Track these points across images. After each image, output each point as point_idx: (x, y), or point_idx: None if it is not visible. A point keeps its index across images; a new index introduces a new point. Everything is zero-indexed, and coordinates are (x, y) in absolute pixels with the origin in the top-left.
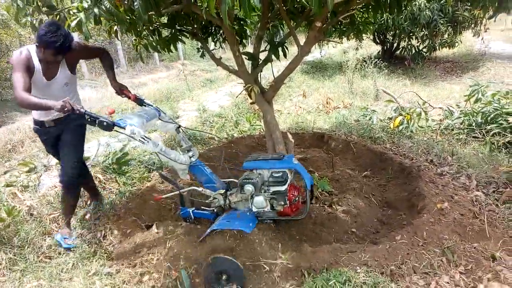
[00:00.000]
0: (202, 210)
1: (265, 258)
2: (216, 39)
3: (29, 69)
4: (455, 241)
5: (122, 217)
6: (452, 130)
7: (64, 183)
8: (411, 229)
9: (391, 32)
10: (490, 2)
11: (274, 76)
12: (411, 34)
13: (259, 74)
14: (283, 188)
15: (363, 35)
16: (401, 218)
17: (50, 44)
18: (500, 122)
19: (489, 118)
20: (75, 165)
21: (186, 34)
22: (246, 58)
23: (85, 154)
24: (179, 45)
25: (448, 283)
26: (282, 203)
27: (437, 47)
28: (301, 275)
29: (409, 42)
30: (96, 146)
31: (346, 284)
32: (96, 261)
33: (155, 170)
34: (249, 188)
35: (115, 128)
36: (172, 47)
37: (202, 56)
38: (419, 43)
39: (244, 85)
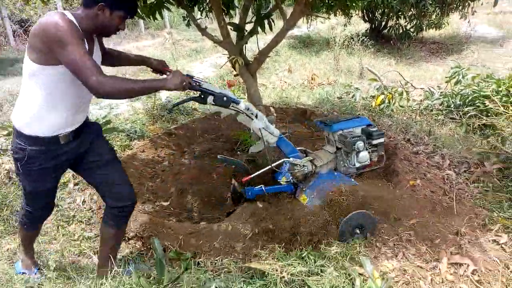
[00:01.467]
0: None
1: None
2: (202, 8)
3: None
4: (424, 216)
5: None
6: (431, 110)
7: (129, 209)
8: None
9: (380, 10)
10: None
11: (259, 49)
12: (399, 13)
13: (244, 46)
14: (383, 139)
15: (352, 11)
16: None
17: (127, 2)
18: (477, 104)
19: (467, 101)
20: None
21: (171, 1)
22: (231, 29)
23: None
24: (165, 13)
25: (414, 255)
26: (382, 153)
27: (424, 28)
28: None
29: (397, 22)
30: None
31: (321, 256)
32: (75, 224)
33: (136, 139)
34: (361, 144)
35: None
36: (157, 15)
37: (188, 25)
38: (407, 22)
39: (229, 56)
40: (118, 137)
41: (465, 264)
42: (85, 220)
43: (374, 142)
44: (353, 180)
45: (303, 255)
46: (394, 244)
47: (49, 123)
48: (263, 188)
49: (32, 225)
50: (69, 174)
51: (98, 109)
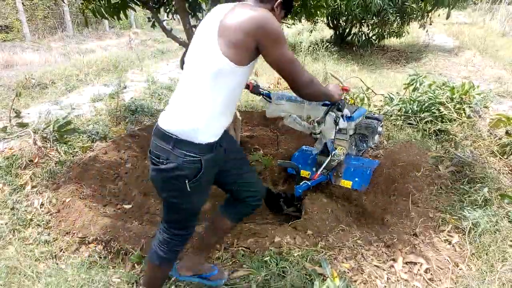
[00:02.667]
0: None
1: None
2: (168, 9)
3: None
4: (382, 218)
5: (62, 186)
6: (391, 116)
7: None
8: None
9: (344, 18)
10: None
11: None
12: (362, 21)
13: None
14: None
15: (317, 18)
16: None
17: (292, 6)
18: (433, 110)
19: (423, 107)
20: None
21: (137, 2)
22: None
23: (25, 120)
24: (131, 13)
25: (373, 254)
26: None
27: (386, 36)
28: None
29: (360, 29)
30: (36, 113)
31: (283, 258)
32: (32, 228)
33: (98, 141)
34: (380, 128)
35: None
36: (122, 15)
37: (153, 26)
38: (369, 30)
39: None
40: (79, 138)
41: (419, 263)
42: (43, 224)
43: (380, 129)
44: (371, 159)
45: (265, 259)
46: (353, 245)
47: (219, 127)
48: (309, 183)
49: (181, 249)
50: (26, 175)
51: (59, 109)
